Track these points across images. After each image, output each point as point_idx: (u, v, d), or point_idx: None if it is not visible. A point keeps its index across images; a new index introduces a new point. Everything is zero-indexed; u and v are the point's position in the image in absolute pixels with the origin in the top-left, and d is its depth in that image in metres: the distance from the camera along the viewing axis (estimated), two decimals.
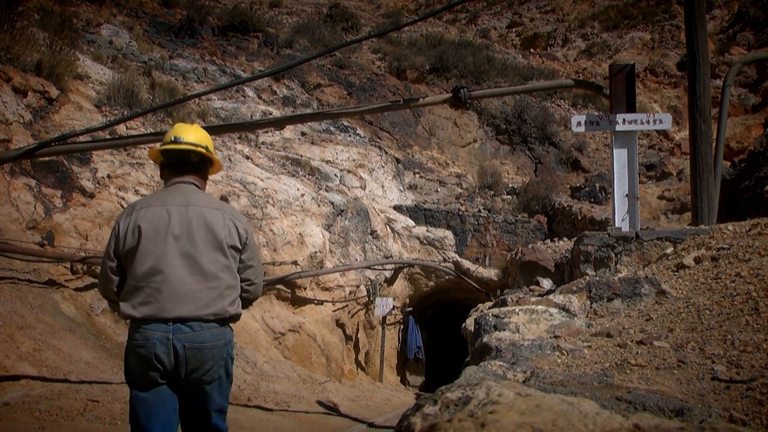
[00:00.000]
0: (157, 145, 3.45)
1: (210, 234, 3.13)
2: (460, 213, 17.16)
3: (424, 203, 17.91)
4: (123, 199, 10.26)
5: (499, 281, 15.02)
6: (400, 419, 1.39)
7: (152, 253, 3.06)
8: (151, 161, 11.54)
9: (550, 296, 4.25)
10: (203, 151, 3.35)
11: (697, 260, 4.30)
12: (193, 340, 3.01)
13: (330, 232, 13.70)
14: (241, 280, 3.29)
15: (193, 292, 3.04)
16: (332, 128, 19.27)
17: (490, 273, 15.81)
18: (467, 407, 1.24)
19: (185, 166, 3.35)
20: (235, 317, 3.24)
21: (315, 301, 12.73)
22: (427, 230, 16.64)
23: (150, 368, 2.99)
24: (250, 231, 3.36)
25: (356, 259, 14.43)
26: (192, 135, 3.36)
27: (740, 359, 2.66)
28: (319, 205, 13.62)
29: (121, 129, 11.76)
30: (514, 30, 39.53)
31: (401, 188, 18.63)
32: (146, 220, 3.11)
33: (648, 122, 7.03)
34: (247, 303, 3.40)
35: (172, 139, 3.32)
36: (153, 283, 3.03)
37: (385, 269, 15.59)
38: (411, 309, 16.66)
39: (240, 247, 3.24)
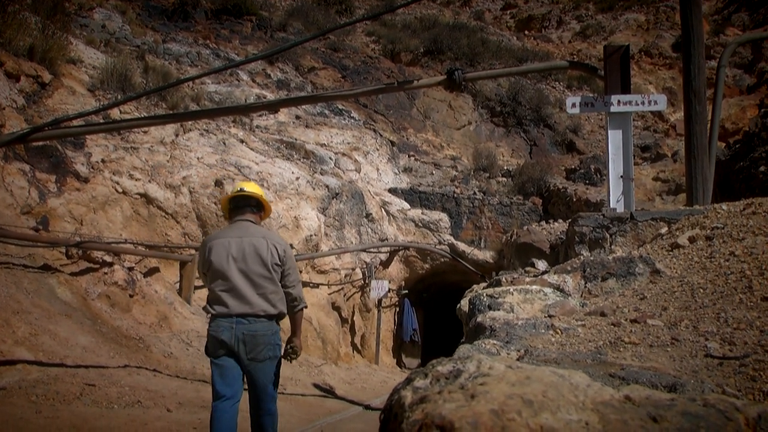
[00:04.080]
0: (227, 195, 4.90)
1: (258, 256, 4.41)
2: (455, 195, 17.13)
3: (419, 186, 17.86)
4: (117, 183, 10.23)
5: (495, 263, 15.04)
6: (390, 393, 1.39)
7: (220, 272, 4.39)
8: (148, 144, 11.51)
9: (545, 276, 4.26)
10: (258, 196, 4.76)
11: (692, 240, 4.31)
12: (248, 329, 4.29)
13: (325, 215, 13.68)
14: (284, 286, 4.54)
15: (247, 297, 4.33)
16: (327, 111, 19.17)
17: (486, 255, 15.84)
18: (458, 380, 1.24)
19: (246, 207, 4.70)
20: (281, 314, 4.50)
21: (311, 285, 12.75)
22: (422, 213, 16.62)
23: (218, 345, 4.31)
24: (288, 249, 4.66)
25: (351, 242, 14.43)
26: (250, 187, 4.79)
27: (733, 336, 2.67)
28: (314, 189, 13.60)
29: (115, 113, 11.70)
30: (508, 12, 39.29)
31: (396, 171, 18.58)
32: (216, 249, 4.45)
33: (643, 103, 7.02)
34: (292, 300, 4.59)
35: (239, 189, 4.74)
36: (221, 291, 4.35)
37: (380, 252, 15.60)
38: (407, 291, 16.67)
39: (280, 262, 4.50)
